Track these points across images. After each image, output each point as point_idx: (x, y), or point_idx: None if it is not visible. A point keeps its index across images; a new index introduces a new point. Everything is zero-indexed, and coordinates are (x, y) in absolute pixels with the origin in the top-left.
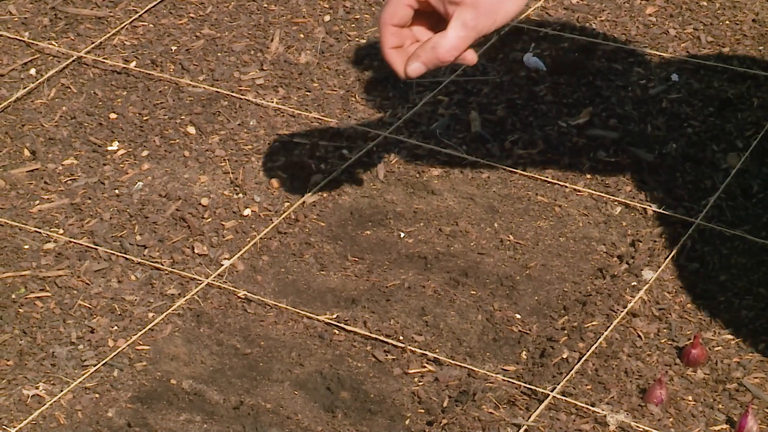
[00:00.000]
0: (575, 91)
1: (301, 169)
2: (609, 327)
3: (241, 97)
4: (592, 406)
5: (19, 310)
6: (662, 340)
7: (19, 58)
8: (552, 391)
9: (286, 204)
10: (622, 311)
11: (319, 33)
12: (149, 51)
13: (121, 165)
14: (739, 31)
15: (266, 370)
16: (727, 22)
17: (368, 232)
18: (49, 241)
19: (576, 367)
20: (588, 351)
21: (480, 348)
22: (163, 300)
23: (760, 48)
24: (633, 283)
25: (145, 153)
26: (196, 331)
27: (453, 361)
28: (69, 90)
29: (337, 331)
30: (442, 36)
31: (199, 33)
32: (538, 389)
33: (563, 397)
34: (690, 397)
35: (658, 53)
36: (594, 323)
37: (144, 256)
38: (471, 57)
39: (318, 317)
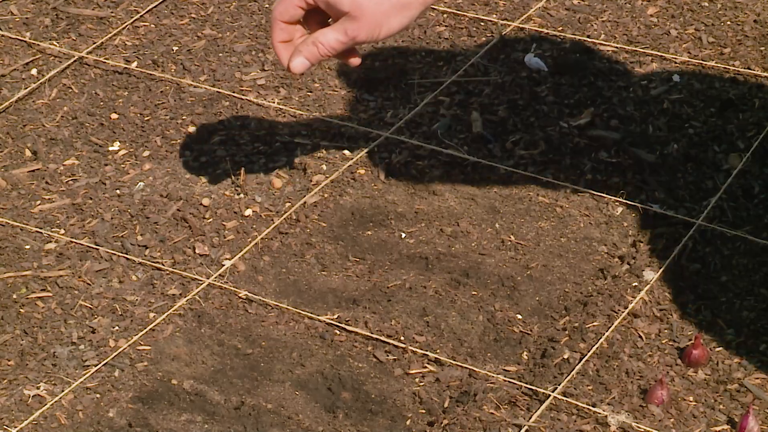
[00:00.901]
0: (576, 91)
1: (303, 170)
2: (610, 327)
3: (243, 97)
4: (593, 407)
5: (21, 310)
6: (663, 341)
7: (20, 59)
8: (553, 392)
9: (287, 204)
10: (623, 312)
11: None
12: (150, 51)
13: (123, 165)
14: (740, 31)
15: (267, 370)
16: (729, 22)
17: (369, 233)
18: (51, 242)
19: (577, 367)
20: (589, 351)
21: (481, 348)
22: (165, 300)
23: (762, 49)
24: (634, 284)
25: (146, 153)
26: (197, 332)
27: (454, 362)
28: (70, 90)
29: (338, 332)
30: (322, 33)
31: (200, 33)
32: (539, 390)
33: (564, 398)
34: (691, 398)
35: (659, 54)
36: (595, 324)
37: (145, 256)
38: (355, 60)
39: (319, 318)
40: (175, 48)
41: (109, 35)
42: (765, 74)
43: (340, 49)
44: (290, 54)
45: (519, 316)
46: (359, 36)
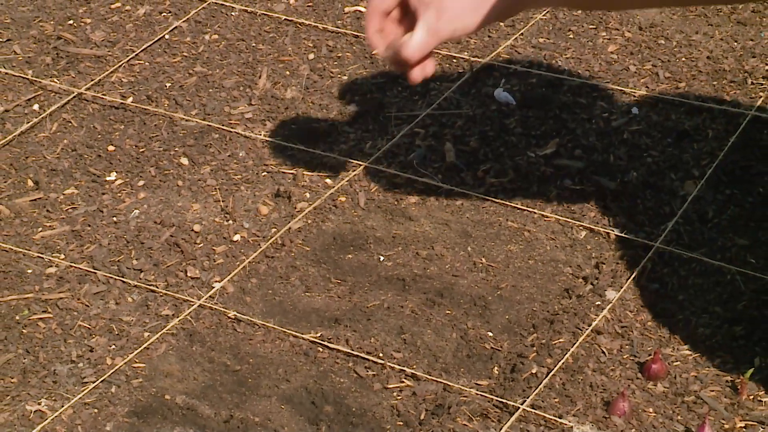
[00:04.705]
0: (543, 123)
1: (287, 198)
2: (575, 344)
3: (231, 130)
4: (560, 418)
5: (23, 330)
6: (625, 356)
7: (23, 95)
8: (522, 404)
9: (273, 230)
10: (587, 329)
11: (303, 70)
12: (145, 87)
13: (119, 194)
14: (694, 67)
15: (255, 385)
16: (684, 59)
17: (350, 256)
18: (51, 266)
19: (544, 381)
20: (555, 366)
21: (455, 364)
22: (158, 320)
23: (714, 83)
24: (597, 303)
25: (141, 183)
26: (189, 350)
27: (429, 377)
28: (70, 124)
29: (321, 349)
30: (410, 36)
31: (191, 70)
32: (509, 402)
33: (533, 410)
34: (651, 409)
35: (619, 88)
36: (561, 340)
37: (140, 279)
38: (431, 68)
39: (303, 336)
40: (168, 84)
41: (107, 72)
42: (718, 107)
43: (426, 49)
44: (384, 44)
45: (490, 334)
46: (441, 30)
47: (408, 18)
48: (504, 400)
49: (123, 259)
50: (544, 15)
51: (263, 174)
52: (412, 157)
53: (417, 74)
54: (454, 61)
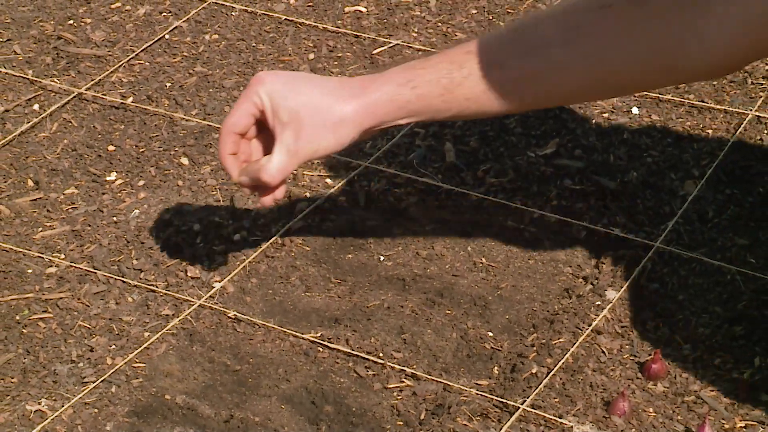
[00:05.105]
0: (543, 123)
1: (288, 197)
2: (575, 344)
3: None
4: (560, 418)
5: (23, 330)
6: (625, 356)
7: (23, 95)
8: (522, 404)
9: (273, 230)
10: (587, 329)
11: (304, 70)
12: (145, 87)
13: (119, 194)
14: None
15: (255, 385)
16: None
17: (350, 256)
18: (51, 266)
19: (544, 381)
20: (556, 366)
21: (455, 364)
22: (158, 320)
23: (714, 83)
24: (597, 303)
25: (141, 183)
26: (189, 350)
27: (430, 377)
28: (70, 124)
29: (321, 349)
30: (267, 159)
31: (192, 70)
32: (509, 402)
33: (533, 410)
34: (651, 409)
35: None
36: (561, 340)
37: (140, 279)
38: (281, 193)
39: (303, 336)
40: (168, 84)
41: (107, 73)
42: (717, 107)
43: (287, 171)
44: (238, 167)
45: (490, 334)
46: (300, 150)
47: (264, 134)
48: (504, 400)
49: (123, 258)
50: None
51: None
52: (412, 157)
53: (269, 199)
54: None
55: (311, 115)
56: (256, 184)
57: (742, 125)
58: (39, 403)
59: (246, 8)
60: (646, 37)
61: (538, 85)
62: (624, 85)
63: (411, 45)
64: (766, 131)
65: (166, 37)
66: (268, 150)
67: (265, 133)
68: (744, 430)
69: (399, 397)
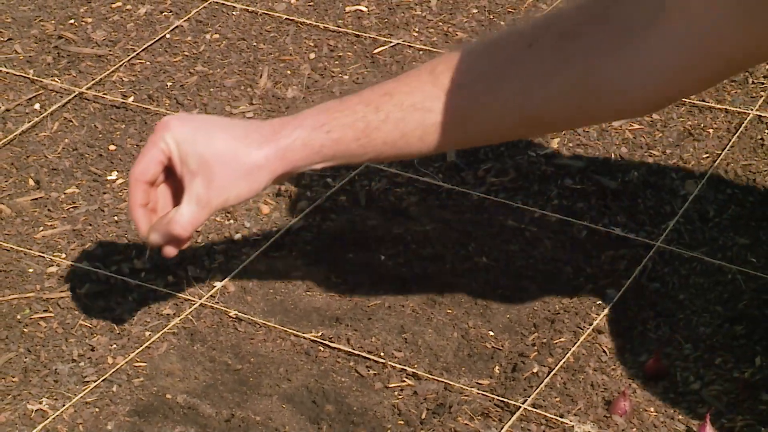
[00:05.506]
0: None
1: (288, 197)
2: (576, 343)
3: None
4: (561, 417)
5: (24, 329)
6: (625, 355)
7: (24, 94)
8: (523, 404)
9: (274, 229)
10: (588, 328)
11: (304, 69)
12: (146, 87)
13: (120, 193)
14: None
15: (256, 384)
16: None
17: (351, 255)
18: (52, 265)
19: (545, 380)
20: (557, 365)
21: (456, 363)
22: (159, 320)
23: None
24: (598, 302)
25: None
26: (190, 349)
27: (431, 376)
28: (71, 123)
29: (322, 348)
30: (176, 211)
31: (192, 70)
32: (510, 402)
33: (534, 409)
34: (652, 409)
35: None
36: (562, 339)
37: (141, 278)
38: (171, 252)
39: (304, 335)
40: (169, 84)
41: (108, 72)
42: (718, 106)
43: (197, 222)
44: (149, 222)
45: (491, 333)
46: (211, 201)
47: (171, 180)
48: (505, 400)
49: (124, 258)
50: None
51: None
52: None
53: (173, 250)
54: None
55: (221, 162)
56: (167, 240)
57: (743, 125)
58: (40, 403)
59: (247, 8)
60: (575, 74)
61: (460, 127)
62: (549, 122)
63: (412, 44)
64: (767, 130)
65: (167, 36)
66: (176, 196)
67: (172, 178)
68: (745, 429)
69: (400, 397)
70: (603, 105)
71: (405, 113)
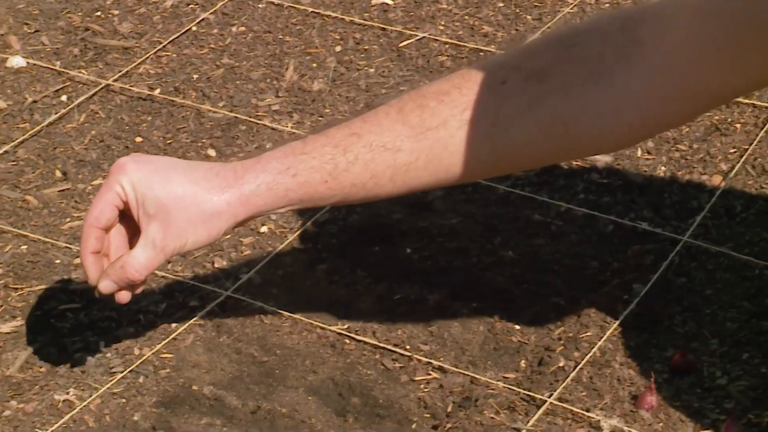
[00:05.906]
0: None
1: None
2: (602, 337)
3: (258, 122)
4: (587, 412)
5: (51, 320)
6: (652, 350)
7: (51, 86)
8: (549, 398)
9: (300, 222)
10: (614, 323)
11: (330, 62)
12: (172, 79)
13: None
14: None
15: (282, 377)
16: None
17: (376, 249)
18: (79, 256)
19: (572, 374)
20: (583, 360)
21: (482, 357)
22: (185, 311)
23: None
24: (624, 297)
25: None
26: (216, 341)
27: (456, 369)
28: (98, 115)
29: (347, 341)
30: (130, 255)
31: (219, 62)
32: (536, 396)
33: (560, 403)
34: (678, 403)
35: None
36: (588, 334)
37: (167, 270)
38: (140, 288)
39: (330, 327)
40: (195, 76)
41: (134, 64)
42: (746, 101)
43: (152, 266)
44: (100, 270)
45: (517, 327)
46: (167, 246)
47: (125, 221)
48: (531, 394)
49: None
50: (571, 9)
51: None
52: None
53: (126, 295)
54: (482, 54)
55: (180, 207)
56: (121, 285)
57: None
58: (67, 393)
59: (273, 1)
60: (546, 114)
61: (431, 167)
62: (522, 162)
63: (438, 38)
64: None
65: (193, 29)
66: (131, 238)
67: (126, 219)
68: None
69: (426, 390)
70: (577, 141)
71: (374, 154)
